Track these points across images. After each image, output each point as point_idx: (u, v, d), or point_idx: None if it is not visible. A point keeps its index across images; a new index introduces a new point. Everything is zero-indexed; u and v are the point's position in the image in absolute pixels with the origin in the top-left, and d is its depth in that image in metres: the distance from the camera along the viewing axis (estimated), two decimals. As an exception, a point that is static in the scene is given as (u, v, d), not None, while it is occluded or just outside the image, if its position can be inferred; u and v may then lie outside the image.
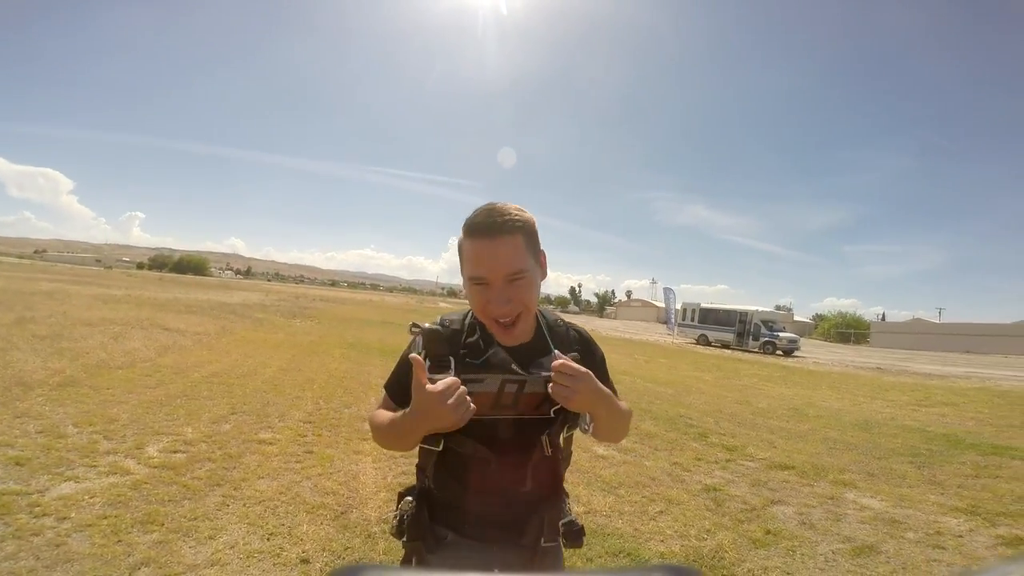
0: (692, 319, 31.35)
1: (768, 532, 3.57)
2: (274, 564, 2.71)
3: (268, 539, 2.96)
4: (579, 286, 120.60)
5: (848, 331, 48.49)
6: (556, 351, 1.11)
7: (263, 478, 3.84)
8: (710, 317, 30.47)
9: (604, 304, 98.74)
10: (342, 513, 3.38)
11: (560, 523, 1.21)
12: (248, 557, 2.75)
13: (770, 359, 21.85)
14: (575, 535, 1.22)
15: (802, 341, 28.92)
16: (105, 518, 2.98)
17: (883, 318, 57.76)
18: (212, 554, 2.74)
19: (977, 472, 5.23)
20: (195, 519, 3.10)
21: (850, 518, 3.92)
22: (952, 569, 2.62)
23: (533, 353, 1.17)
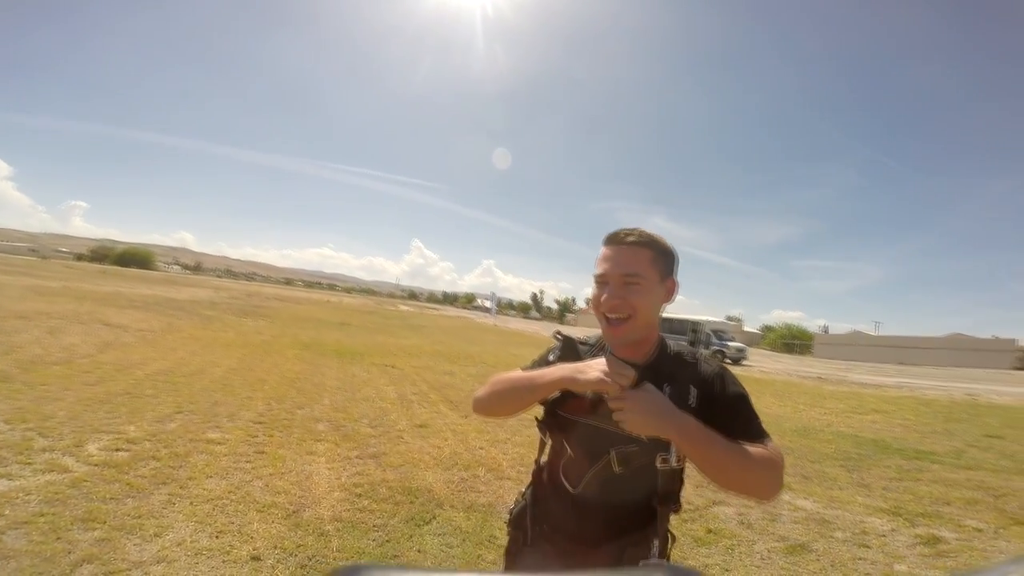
0: None
1: (710, 531, 3.74)
2: (223, 561, 2.69)
3: (217, 537, 2.93)
4: (541, 292, 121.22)
5: (793, 342, 50.45)
6: (611, 351, 1.21)
7: (211, 477, 3.79)
8: (665, 326, 30.97)
9: (565, 311, 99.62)
10: (294, 512, 3.37)
11: (641, 562, 1.17)
12: (196, 555, 2.72)
13: (719, 367, 22.36)
14: None
15: (750, 351, 30.00)
16: (43, 515, 2.91)
17: (826, 330, 60.25)
18: (158, 551, 2.71)
19: (901, 475, 5.57)
20: (140, 517, 3.05)
21: (785, 518, 4.13)
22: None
23: (644, 375, 1.14)
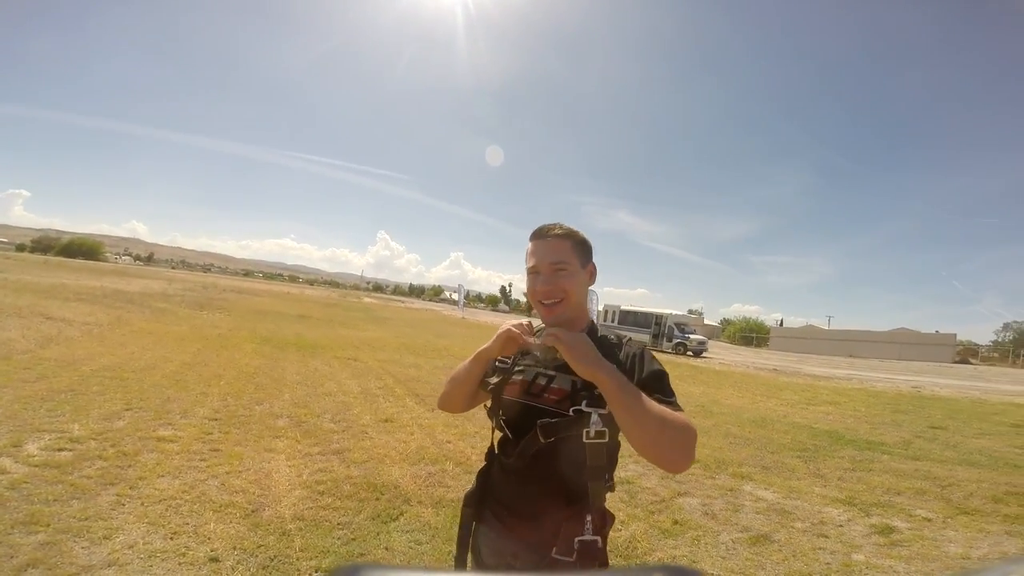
0: (613, 320, 32.42)
1: (676, 522, 3.78)
2: (180, 563, 2.56)
3: (171, 538, 2.80)
4: (510, 285, 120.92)
5: (751, 335, 51.98)
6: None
7: (163, 476, 3.62)
8: (629, 319, 31.74)
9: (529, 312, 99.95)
10: (253, 511, 3.24)
11: (576, 539, 1.22)
12: (150, 557, 2.59)
13: (681, 359, 22.92)
14: (589, 556, 1.21)
15: (710, 343, 30.73)
16: None
17: (781, 324, 62.29)
18: (108, 554, 2.57)
19: (854, 466, 5.75)
20: (86, 519, 2.89)
21: (747, 509, 4.21)
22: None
23: None
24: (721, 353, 30.69)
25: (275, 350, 10.71)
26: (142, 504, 3.16)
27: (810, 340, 46.31)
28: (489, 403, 1.46)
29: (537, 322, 1.50)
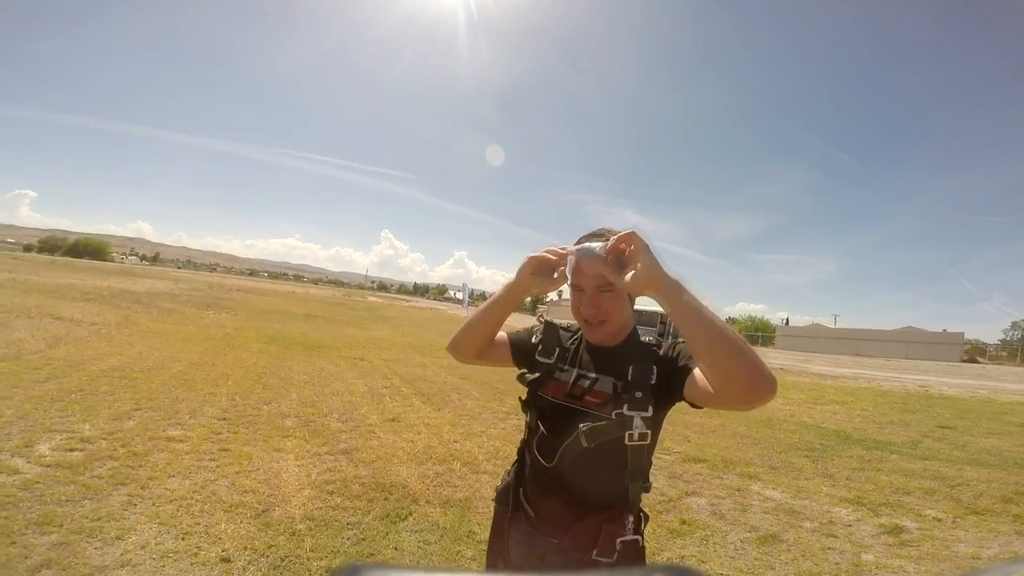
0: None
1: (684, 522, 3.78)
2: (192, 563, 2.58)
3: (183, 539, 2.81)
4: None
5: (756, 334, 51.87)
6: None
7: (174, 476, 3.64)
8: (635, 317, 31.69)
9: (537, 303, 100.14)
10: (263, 511, 3.26)
11: (618, 540, 1.24)
12: (162, 557, 2.61)
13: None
14: (631, 556, 1.24)
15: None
16: None
17: (787, 323, 62.15)
18: (121, 555, 2.58)
19: (862, 465, 5.72)
20: (99, 519, 2.91)
21: (755, 508, 4.20)
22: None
23: (613, 357, 1.33)
24: None
25: (281, 349, 10.75)
26: (153, 504, 3.18)
27: (816, 339, 46.18)
28: (525, 396, 1.44)
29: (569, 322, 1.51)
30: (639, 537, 1.26)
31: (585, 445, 1.25)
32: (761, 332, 52.09)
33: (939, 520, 4.20)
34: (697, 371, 1.18)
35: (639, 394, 1.25)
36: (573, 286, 1.33)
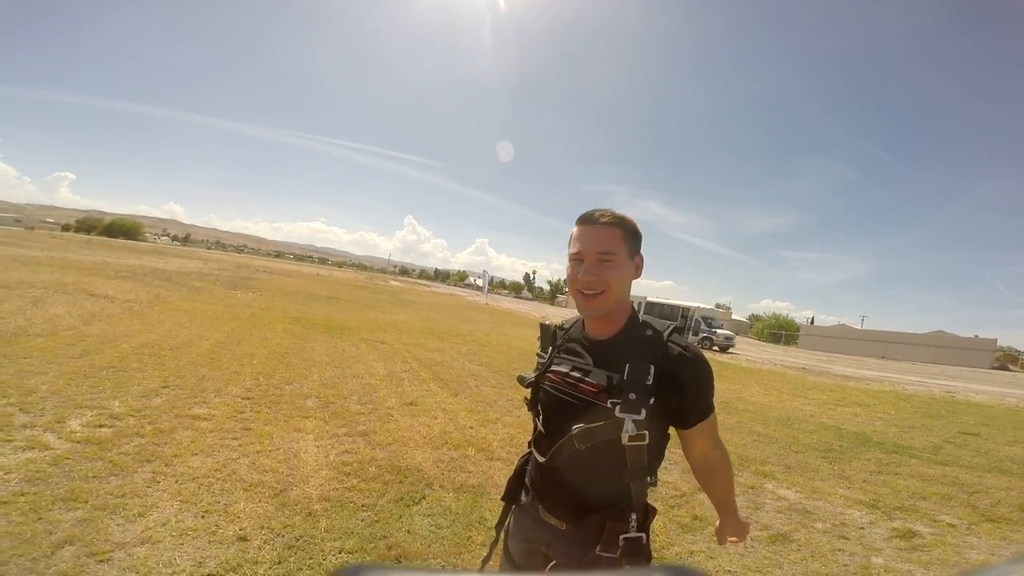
0: (638, 312, 32.18)
1: (695, 518, 3.78)
2: (209, 542, 2.66)
3: (203, 517, 2.90)
4: (533, 273, 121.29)
5: (779, 332, 50.96)
6: (585, 336, 1.39)
7: (197, 455, 3.75)
8: (655, 311, 31.43)
9: (556, 292, 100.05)
10: (282, 491, 3.35)
11: (621, 536, 1.23)
12: (181, 535, 2.69)
13: (707, 354, 22.47)
14: (635, 552, 1.23)
15: (737, 339, 30.27)
16: (23, 495, 2.84)
17: (812, 322, 60.98)
18: (142, 532, 2.67)
19: (880, 468, 5.65)
20: (123, 496, 3.00)
21: (768, 507, 4.20)
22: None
23: (608, 349, 1.31)
24: (748, 350, 30.16)
25: (305, 330, 10.96)
26: (176, 482, 3.27)
27: (841, 340, 45.19)
28: (529, 395, 1.46)
29: (572, 312, 1.54)
30: (643, 534, 1.25)
31: (577, 447, 1.25)
32: (785, 331, 51.19)
33: (953, 526, 4.16)
34: (698, 432, 1.34)
35: (632, 396, 1.21)
36: (573, 256, 1.32)
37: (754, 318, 61.32)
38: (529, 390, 1.45)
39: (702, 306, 29.99)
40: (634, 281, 1.37)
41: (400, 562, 2.75)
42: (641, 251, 1.37)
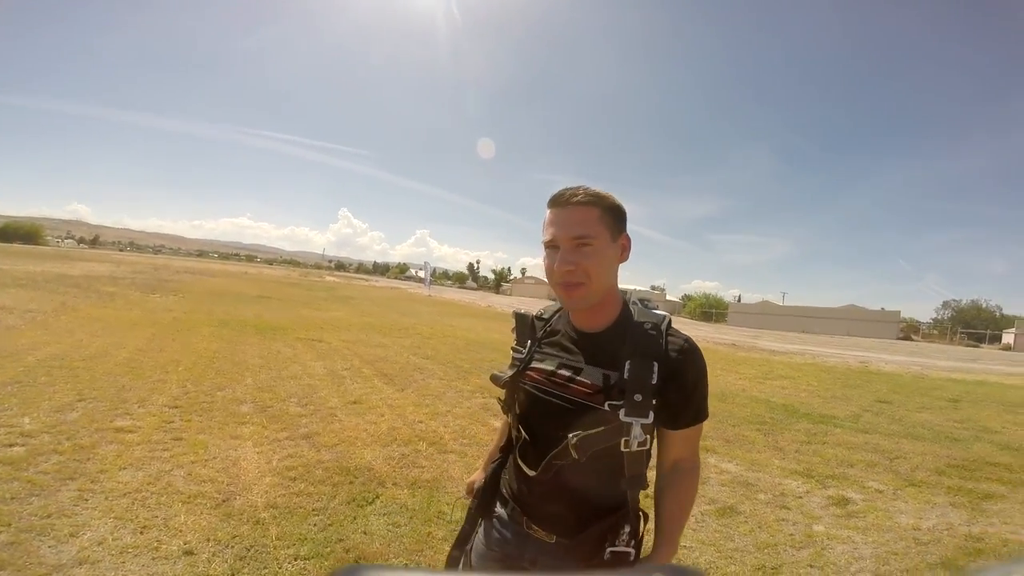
0: None
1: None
2: (153, 558, 2.49)
3: (141, 533, 2.71)
4: (477, 262, 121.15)
5: (710, 311, 53.48)
6: (571, 331, 1.24)
7: (125, 469, 3.49)
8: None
9: (500, 281, 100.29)
10: (224, 501, 3.17)
11: (608, 550, 1.12)
12: (122, 553, 2.51)
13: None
14: (623, 566, 1.13)
15: (671, 317, 31.49)
16: None
17: (739, 300, 64.19)
18: (77, 552, 2.47)
19: (809, 438, 5.97)
20: (48, 516, 2.77)
21: (713, 481, 4.35)
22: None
23: (601, 344, 1.18)
24: (683, 329, 30.97)
25: (234, 333, 10.39)
26: (106, 498, 3.04)
27: (765, 316, 48.09)
28: (503, 396, 1.31)
29: (519, 300, 1.41)
30: (632, 550, 1.14)
31: (575, 458, 1.11)
32: (715, 309, 53.72)
33: (881, 492, 4.41)
34: (684, 436, 1.20)
35: (638, 397, 1.08)
36: (547, 244, 1.17)
37: (686, 298, 63.94)
38: (504, 390, 1.30)
39: (638, 289, 30.97)
40: None
41: (360, 562, 2.66)
42: (626, 230, 1.21)
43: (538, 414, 1.20)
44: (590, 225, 1.12)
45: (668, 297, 59.69)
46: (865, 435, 6.34)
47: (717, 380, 10.06)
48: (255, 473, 3.66)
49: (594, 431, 1.10)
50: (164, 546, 2.61)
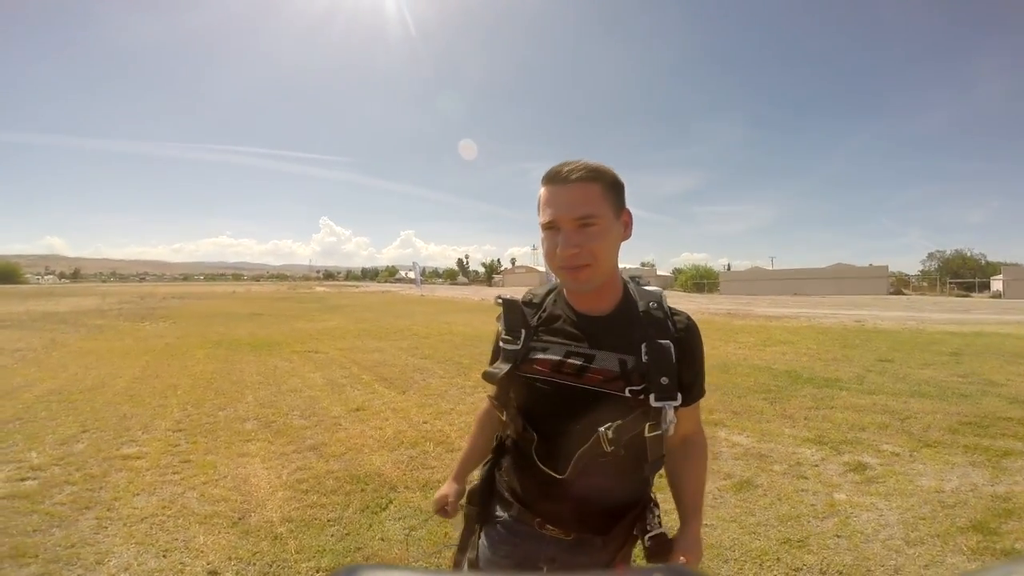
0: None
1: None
2: (179, 580, 2.47)
3: (164, 556, 2.72)
4: (466, 257, 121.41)
5: (702, 281, 53.72)
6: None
7: (139, 494, 3.48)
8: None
9: (492, 273, 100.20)
10: (240, 519, 3.15)
11: (647, 537, 1.09)
12: (148, 577, 2.51)
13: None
14: (663, 550, 1.08)
15: (665, 293, 31.71)
16: None
17: (729, 268, 64.58)
18: (107, 580, 2.48)
19: (816, 404, 5.92)
20: (72, 546, 2.80)
21: (725, 455, 4.31)
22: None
23: (611, 327, 1.11)
24: (677, 302, 30.29)
25: (229, 352, 10.30)
26: (124, 525, 3.05)
27: (757, 282, 48.37)
28: (496, 393, 1.20)
29: (510, 289, 1.29)
30: (665, 530, 1.12)
31: (609, 450, 1.04)
32: (706, 279, 54.00)
33: (897, 455, 4.31)
34: (691, 411, 1.18)
35: (665, 380, 1.03)
36: (545, 225, 1.08)
37: (677, 272, 64.15)
38: (497, 387, 1.19)
39: (628, 267, 31.04)
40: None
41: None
42: (626, 204, 1.14)
43: (550, 409, 1.11)
44: (593, 203, 1.04)
45: (659, 272, 59.91)
46: (871, 396, 6.26)
47: (717, 351, 10.09)
48: (267, 489, 3.63)
49: (626, 420, 1.04)
50: (189, 568, 2.61)
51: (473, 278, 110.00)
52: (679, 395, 1.06)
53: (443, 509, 1.31)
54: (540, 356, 1.12)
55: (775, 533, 3.04)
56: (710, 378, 6.50)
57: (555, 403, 1.09)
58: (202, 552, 2.76)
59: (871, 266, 47.02)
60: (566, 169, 1.06)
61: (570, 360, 1.09)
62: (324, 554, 2.77)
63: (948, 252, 56.04)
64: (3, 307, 23.25)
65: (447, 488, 1.34)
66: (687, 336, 1.13)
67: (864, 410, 5.67)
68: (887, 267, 46.34)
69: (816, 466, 4.09)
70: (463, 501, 1.32)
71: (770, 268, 59.37)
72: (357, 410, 5.81)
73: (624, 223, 1.13)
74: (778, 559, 2.77)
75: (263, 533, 2.98)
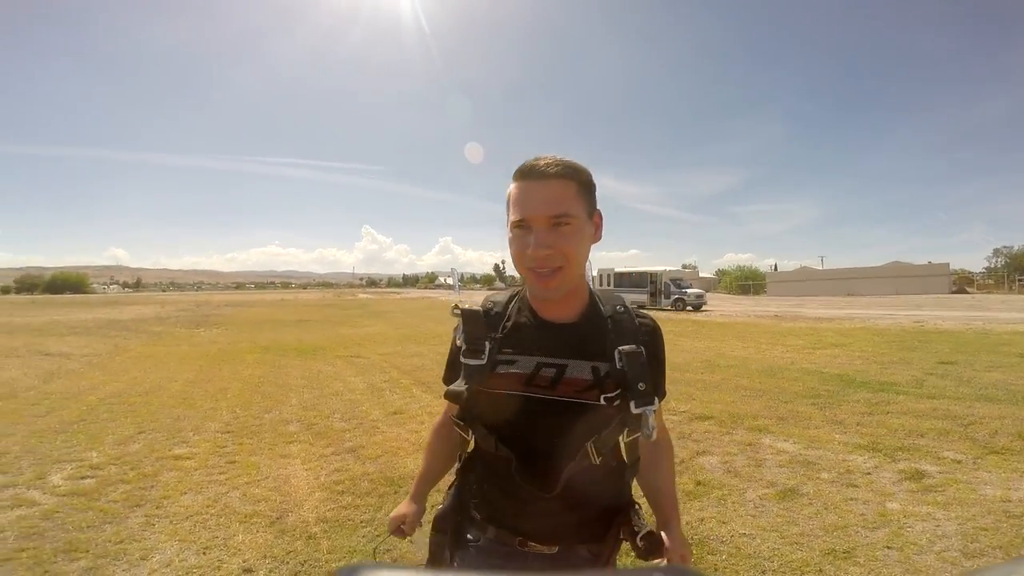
0: (608, 284, 32.41)
1: (699, 483, 3.73)
2: (216, 577, 2.58)
3: (204, 553, 2.83)
4: (503, 263, 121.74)
5: (747, 283, 52.17)
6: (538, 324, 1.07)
7: (186, 493, 3.65)
8: (624, 280, 31.77)
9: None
10: (278, 519, 3.25)
11: (639, 536, 1.04)
12: (187, 573, 2.64)
13: (682, 315, 22.94)
14: (658, 548, 1.03)
15: (708, 295, 30.90)
16: (23, 551, 2.83)
17: (776, 269, 62.46)
18: (148, 574, 2.64)
19: (871, 409, 5.64)
20: (121, 542, 2.95)
21: (769, 463, 4.14)
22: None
23: (581, 335, 1.07)
24: (721, 304, 30.68)
25: (277, 357, 10.67)
26: (171, 522, 3.20)
27: (806, 282, 46.61)
28: (458, 412, 1.11)
29: (497, 295, 1.18)
30: (650, 527, 1.07)
31: (597, 461, 1.03)
32: (752, 281, 52.40)
33: (959, 462, 4.05)
34: (656, 411, 1.07)
35: (642, 385, 1.01)
36: (516, 224, 1.01)
37: (721, 273, 62.55)
38: (460, 406, 1.11)
39: (669, 269, 30.47)
40: (602, 255, 1.10)
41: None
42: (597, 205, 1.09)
43: (526, 425, 1.05)
44: (568, 202, 0.99)
45: (701, 274, 58.45)
46: (932, 401, 5.91)
47: (762, 354, 9.78)
48: (305, 489, 3.73)
49: (607, 430, 1.02)
50: (225, 565, 2.70)
51: (510, 283, 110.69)
52: (656, 399, 1.04)
53: (399, 529, 1.19)
54: (509, 370, 1.05)
55: (819, 544, 2.90)
56: (756, 383, 6.31)
57: (530, 418, 1.04)
58: (239, 550, 2.86)
59: (930, 264, 44.47)
60: (542, 163, 1.01)
61: (542, 372, 1.04)
62: (355, 555, 2.81)
63: (1016, 248, 52.44)
64: (74, 315, 24.80)
65: (405, 507, 1.22)
66: (652, 340, 1.11)
67: (923, 415, 5.35)
68: (948, 264, 43.71)
69: (868, 474, 3.88)
70: (426, 524, 1.22)
71: (820, 268, 57.09)
72: (395, 413, 5.90)
73: (596, 225, 1.08)
74: (820, 571, 2.64)
75: (298, 533, 3.06)
